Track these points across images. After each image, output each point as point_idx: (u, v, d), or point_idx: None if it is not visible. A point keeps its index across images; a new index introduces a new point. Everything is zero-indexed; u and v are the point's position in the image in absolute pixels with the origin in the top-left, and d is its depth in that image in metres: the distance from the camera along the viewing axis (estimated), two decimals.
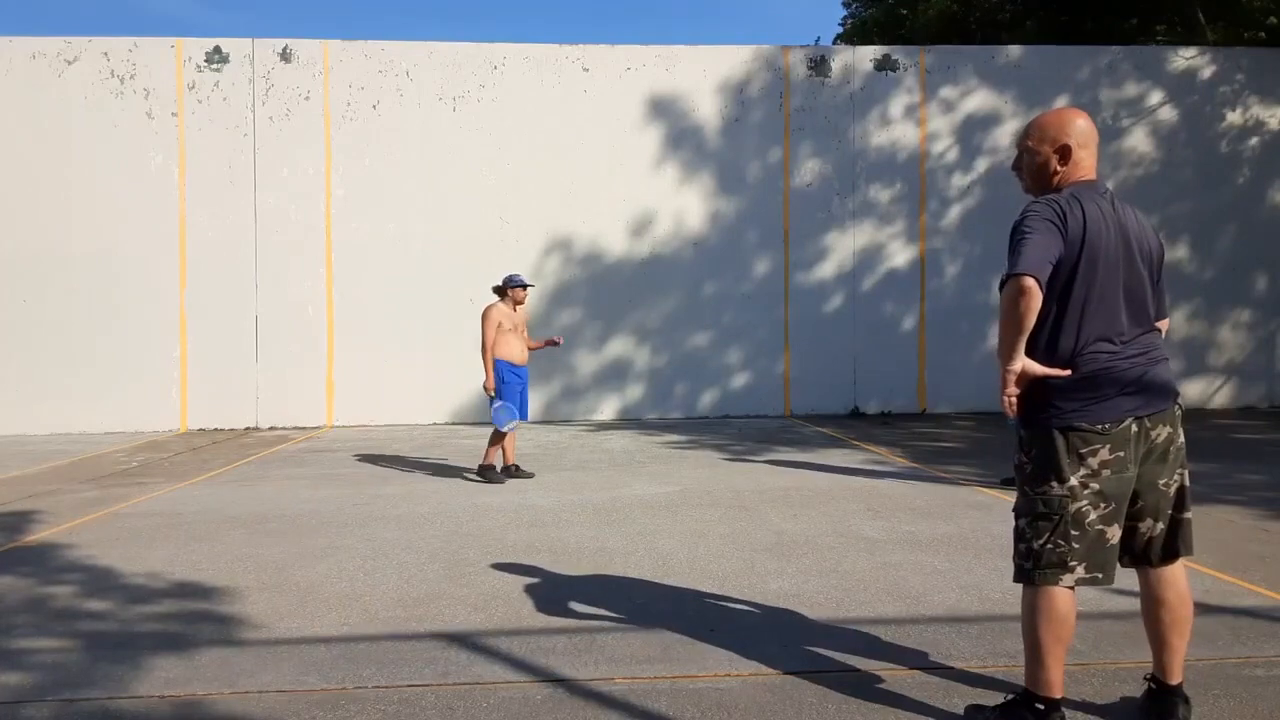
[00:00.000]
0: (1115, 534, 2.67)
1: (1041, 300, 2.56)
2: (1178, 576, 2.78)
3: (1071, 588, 2.64)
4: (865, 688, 3.13)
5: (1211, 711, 2.90)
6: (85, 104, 12.24)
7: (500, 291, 7.70)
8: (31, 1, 67.41)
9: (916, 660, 3.39)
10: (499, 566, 4.84)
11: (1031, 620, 2.67)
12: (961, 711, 2.89)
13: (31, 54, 12.21)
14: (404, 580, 4.60)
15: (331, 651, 3.55)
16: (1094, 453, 2.62)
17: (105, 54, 12.30)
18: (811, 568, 4.75)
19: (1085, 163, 2.77)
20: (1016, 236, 2.63)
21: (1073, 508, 2.63)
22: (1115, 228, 2.67)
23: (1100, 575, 2.65)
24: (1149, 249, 2.75)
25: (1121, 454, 2.63)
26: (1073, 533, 2.63)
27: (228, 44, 12.49)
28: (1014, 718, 2.71)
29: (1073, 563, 2.63)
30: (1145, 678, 2.89)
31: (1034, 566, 2.67)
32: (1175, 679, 2.78)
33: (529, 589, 4.42)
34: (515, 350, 7.60)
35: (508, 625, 3.87)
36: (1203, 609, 3.91)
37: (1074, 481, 2.63)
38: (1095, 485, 2.63)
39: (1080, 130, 2.77)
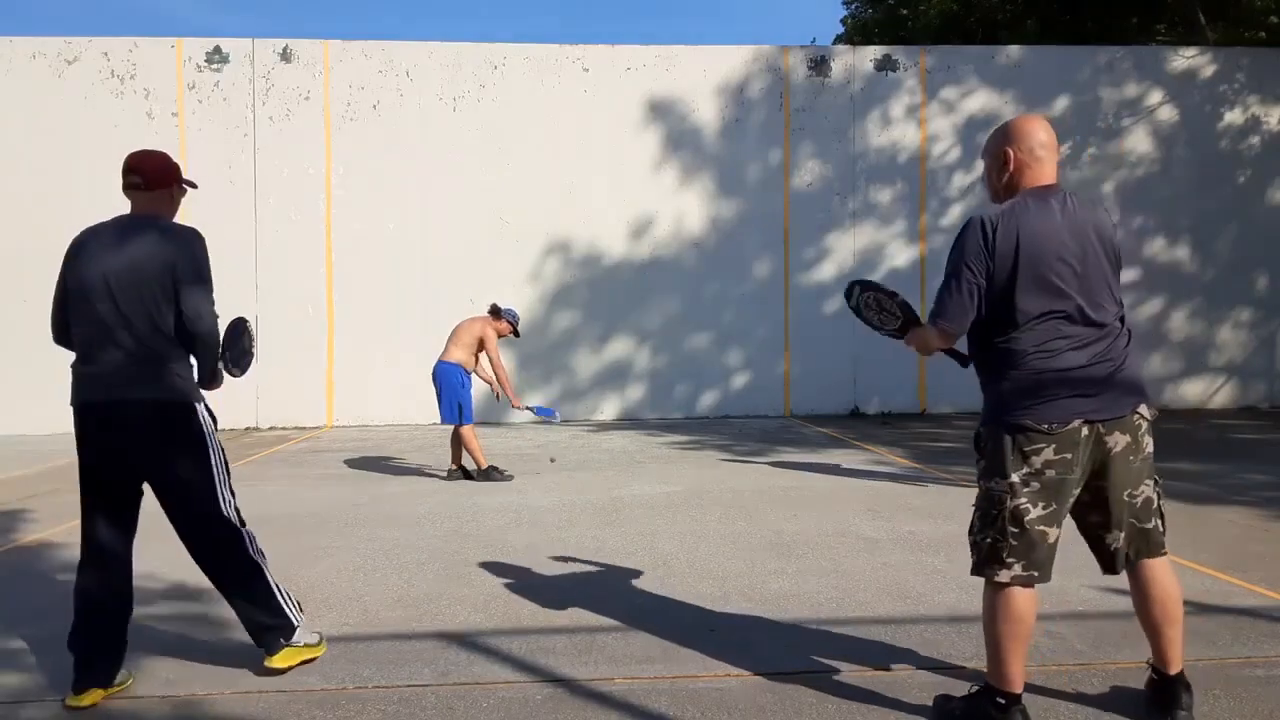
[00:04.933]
0: (1055, 534, 2.70)
1: (954, 339, 2.80)
2: (1159, 571, 2.79)
3: (1008, 584, 2.67)
4: (865, 688, 3.14)
5: (1211, 711, 2.90)
6: (85, 104, 12.23)
7: (495, 313, 7.90)
8: (31, 1, 67.44)
9: (916, 660, 3.39)
10: (499, 566, 4.85)
11: (991, 618, 2.72)
12: None
13: (31, 54, 12.21)
14: (404, 580, 4.60)
15: (331, 651, 3.54)
16: (1038, 451, 2.65)
17: (105, 54, 12.30)
18: (811, 568, 4.75)
19: (1033, 169, 2.77)
20: (947, 266, 2.75)
21: (1011, 504, 2.66)
22: (1064, 229, 2.67)
23: (1038, 574, 2.69)
24: (1107, 240, 2.74)
25: (1068, 455, 2.65)
26: (1011, 529, 2.67)
27: (228, 44, 12.49)
28: (977, 708, 2.76)
29: (1009, 559, 2.67)
30: (1147, 661, 2.92)
31: (975, 559, 2.76)
32: (1175, 669, 2.80)
33: (529, 589, 4.42)
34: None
35: (508, 625, 3.87)
36: (1203, 609, 3.92)
37: (1014, 478, 2.66)
38: (1036, 484, 2.66)
39: (1026, 137, 2.78)
